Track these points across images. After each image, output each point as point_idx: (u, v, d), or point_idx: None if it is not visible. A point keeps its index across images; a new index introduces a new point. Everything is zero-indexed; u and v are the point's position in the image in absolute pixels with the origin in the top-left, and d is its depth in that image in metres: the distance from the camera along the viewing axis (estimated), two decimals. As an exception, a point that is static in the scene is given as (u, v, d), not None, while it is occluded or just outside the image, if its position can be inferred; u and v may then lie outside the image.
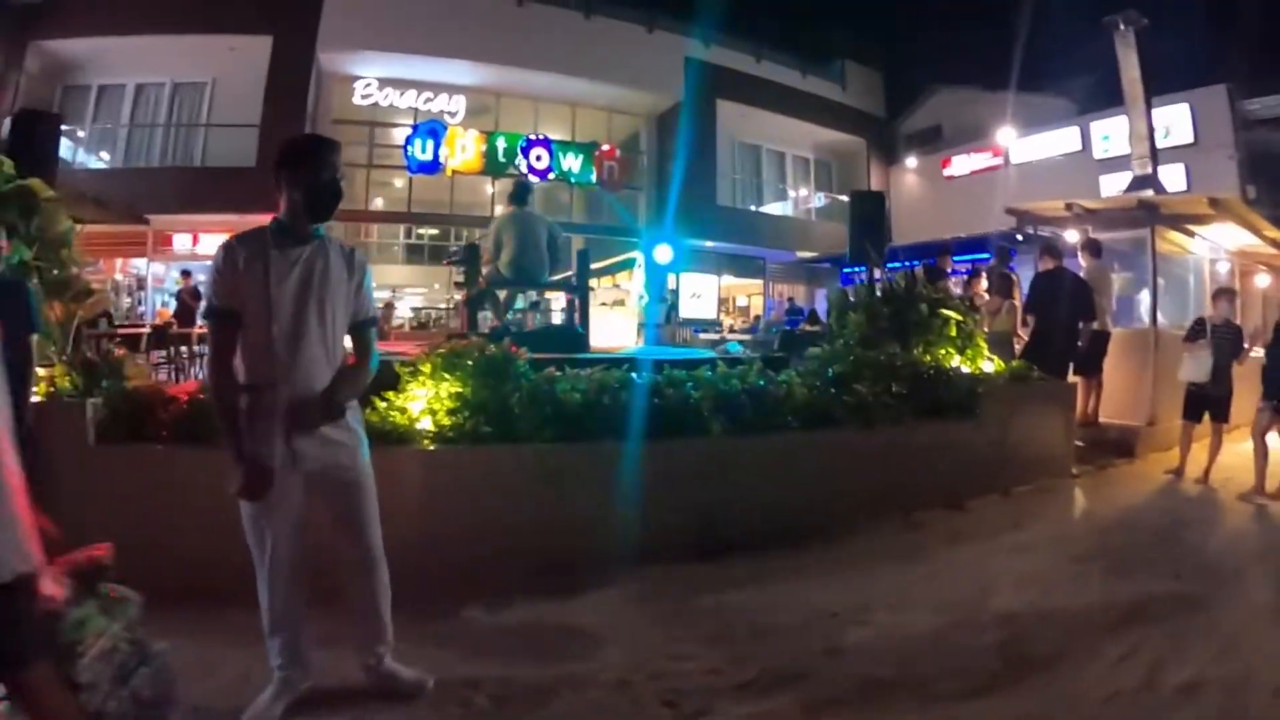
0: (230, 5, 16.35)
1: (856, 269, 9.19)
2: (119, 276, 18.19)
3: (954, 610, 3.87)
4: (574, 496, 4.26)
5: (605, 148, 20.16)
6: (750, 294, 23.93)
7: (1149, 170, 10.72)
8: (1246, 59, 17.77)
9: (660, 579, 4.12)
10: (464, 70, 19.12)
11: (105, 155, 17.96)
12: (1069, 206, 9.47)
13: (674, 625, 3.60)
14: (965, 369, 6.68)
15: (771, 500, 4.87)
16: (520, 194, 7.97)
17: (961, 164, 22.43)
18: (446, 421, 4.34)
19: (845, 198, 24.03)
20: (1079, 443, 8.19)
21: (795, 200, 24.60)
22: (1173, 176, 16.56)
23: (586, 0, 19.98)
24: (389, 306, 18.58)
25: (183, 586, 3.05)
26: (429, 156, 18.41)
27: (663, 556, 4.27)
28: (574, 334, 7.91)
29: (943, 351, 6.73)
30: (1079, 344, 8.01)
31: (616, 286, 21.56)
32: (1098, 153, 18.78)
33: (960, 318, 6.81)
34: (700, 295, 19.39)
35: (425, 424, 4.32)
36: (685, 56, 20.43)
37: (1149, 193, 9.88)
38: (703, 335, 14.75)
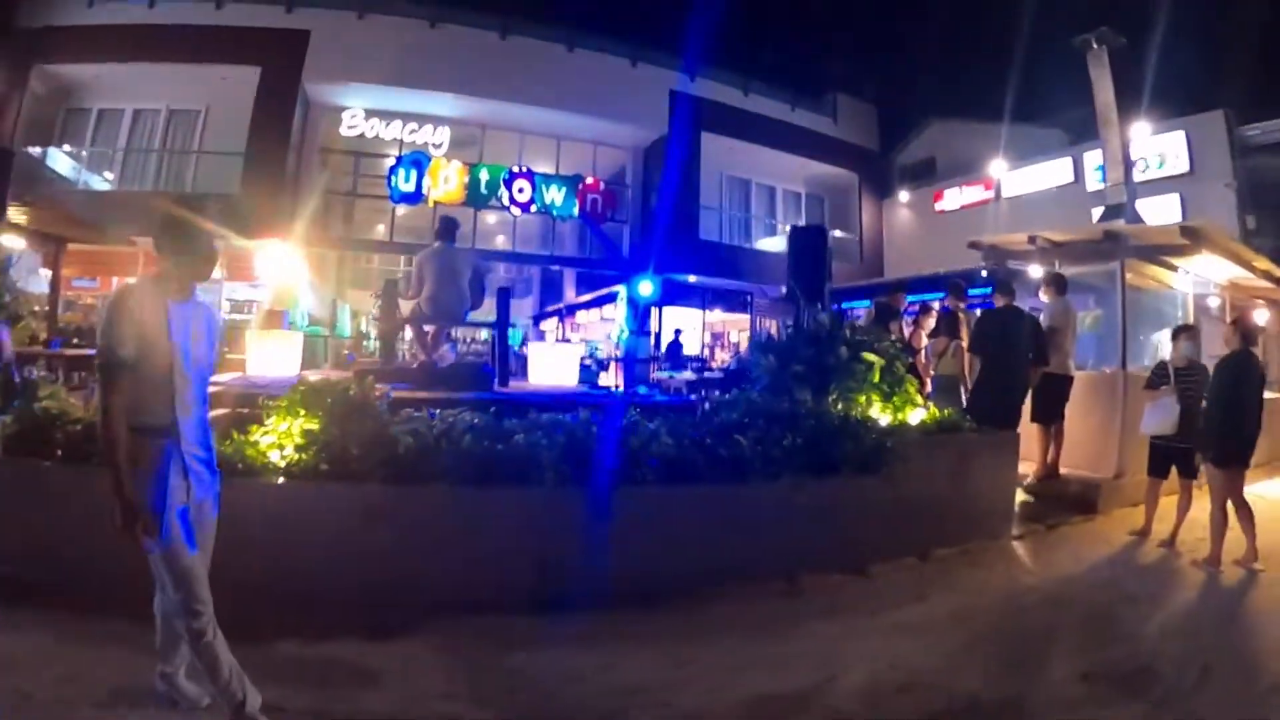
0: (220, 36, 16.83)
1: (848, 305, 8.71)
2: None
3: (772, 707, 3.30)
4: (406, 540, 4.20)
5: (589, 181, 19.94)
6: (742, 329, 23.35)
7: (1123, 199, 10.05)
8: (1246, 83, 17.03)
9: (479, 629, 3.91)
10: (449, 103, 19.15)
11: (109, 175, 18.30)
12: (1032, 239, 8.83)
13: (460, 679, 3.45)
14: (885, 418, 6.07)
15: (626, 558, 4.42)
16: (446, 230, 7.94)
17: (953, 198, 21.73)
18: (293, 457, 4.35)
19: (839, 233, 23.65)
20: (1033, 498, 7.57)
21: (786, 234, 23.99)
22: (1168, 207, 15.91)
23: (569, 34, 19.90)
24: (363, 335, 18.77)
25: (67, 596, 3.58)
26: (412, 187, 18.46)
27: (495, 607, 4.05)
28: (482, 373, 7.82)
29: (863, 399, 6.13)
30: (1027, 388, 7.33)
31: (607, 320, 21.41)
32: (1090, 184, 17.99)
33: (881, 361, 6.21)
34: (683, 330, 18.92)
35: (276, 458, 4.36)
36: (670, 90, 20.19)
37: (1120, 223, 9.19)
38: (655, 373, 14.19)
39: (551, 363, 10.06)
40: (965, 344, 7.89)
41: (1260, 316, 13.26)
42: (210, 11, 17.15)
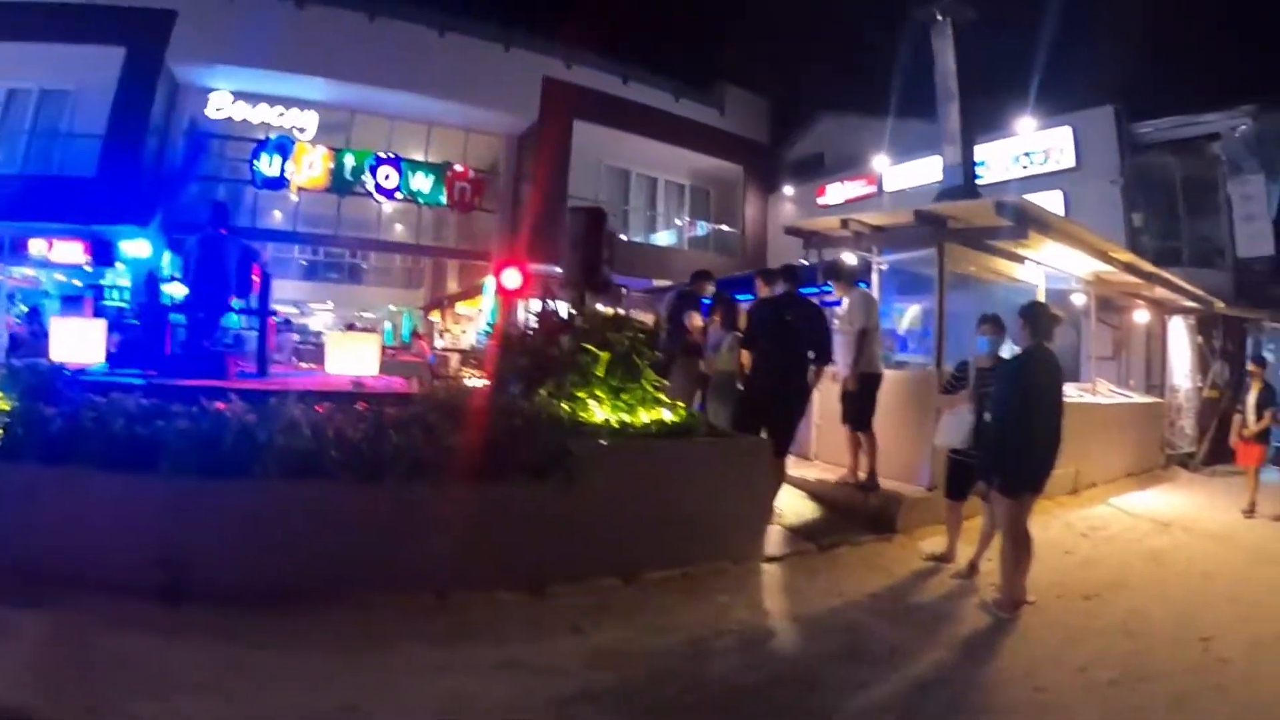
0: (87, 15, 15.88)
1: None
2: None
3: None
4: (55, 518, 4.18)
5: (458, 168, 19.08)
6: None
7: (960, 180, 9.20)
8: (1139, 81, 16.48)
9: (98, 610, 3.66)
10: (317, 86, 18.32)
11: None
12: (844, 223, 7.93)
13: (34, 653, 3.31)
14: (605, 416, 5.08)
15: (262, 554, 4.19)
16: (215, 216, 8.00)
17: (836, 192, 20.95)
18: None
19: (726, 227, 22.87)
20: (831, 510, 6.66)
21: (680, 228, 23.35)
22: (1050, 203, 15.25)
23: (440, 17, 18.88)
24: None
25: None
26: (275, 172, 17.70)
27: (128, 591, 3.84)
28: (216, 361, 7.67)
29: (583, 394, 5.13)
30: (804, 388, 6.35)
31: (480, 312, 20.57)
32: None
33: (606, 355, 5.21)
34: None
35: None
36: (544, 76, 19.31)
37: (940, 205, 8.28)
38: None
39: (348, 352, 9.42)
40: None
41: (1141, 316, 12.66)
42: (76, -13, 16.30)
